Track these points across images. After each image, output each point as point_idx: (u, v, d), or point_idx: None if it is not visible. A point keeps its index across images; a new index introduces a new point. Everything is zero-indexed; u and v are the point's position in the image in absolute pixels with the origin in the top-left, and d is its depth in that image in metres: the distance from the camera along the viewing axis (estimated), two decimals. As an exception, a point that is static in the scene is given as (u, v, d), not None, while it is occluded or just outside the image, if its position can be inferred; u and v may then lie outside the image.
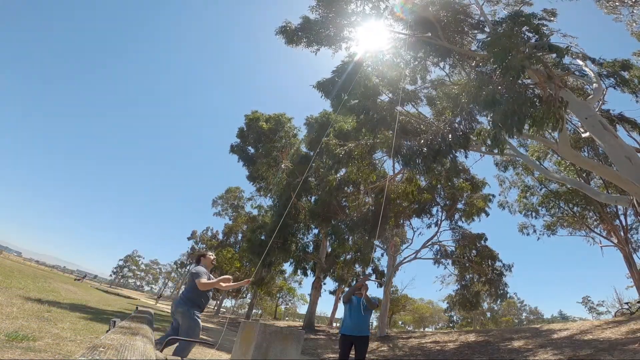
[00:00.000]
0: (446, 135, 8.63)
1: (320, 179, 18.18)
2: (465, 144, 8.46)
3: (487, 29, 9.71)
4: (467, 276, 17.00)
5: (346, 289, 5.42)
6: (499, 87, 7.26)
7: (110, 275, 75.89)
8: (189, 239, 48.14)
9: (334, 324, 30.12)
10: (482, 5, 10.72)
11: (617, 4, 12.77)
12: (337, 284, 25.70)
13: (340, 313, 36.06)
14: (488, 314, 44.89)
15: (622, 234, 16.66)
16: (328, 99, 11.19)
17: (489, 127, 7.97)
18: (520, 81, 7.25)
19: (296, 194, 18.76)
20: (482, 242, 16.85)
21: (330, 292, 29.37)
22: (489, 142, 7.91)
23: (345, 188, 17.01)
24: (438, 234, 17.79)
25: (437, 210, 17.75)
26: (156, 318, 8.92)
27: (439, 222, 17.70)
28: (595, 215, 17.92)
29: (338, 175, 17.48)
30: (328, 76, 11.22)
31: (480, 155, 13.02)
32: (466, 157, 9.93)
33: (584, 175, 16.71)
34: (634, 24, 12.63)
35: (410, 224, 18.67)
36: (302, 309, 47.40)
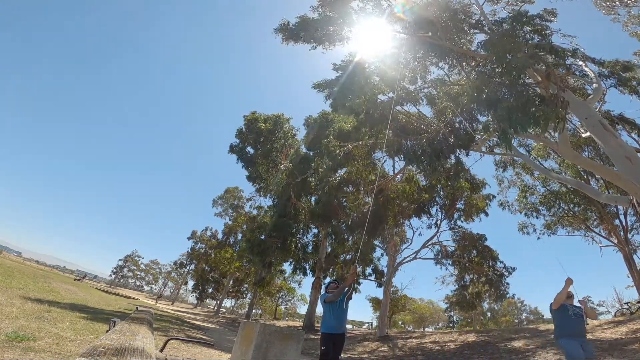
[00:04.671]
0: (448, 135, 8.63)
1: (320, 179, 18.17)
2: (468, 144, 8.46)
3: (487, 29, 9.71)
4: (467, 276, 17.00)
5: (323, 289, 5.38)
6: (501, 87, 7.25)
7: (110, 275, 75.82)
8: (188, 238, 48.05)
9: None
10: (482, 5, 10.72)
11: (616, 4, 12.76)
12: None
13: (340, 313, 35.89)
14: (488, 314, 44.88)
15: (622, 234, 16.65)
16: (329, 100, 11.16)
17: (493, 124, 7.92)
18: (521, 80, 7.24)
19: (296, 194, 18.76)
20: (482, 242, 16.86)
21: (330, 292, 29.31)
22: (495, 138, 7.90)
23: (345, 188, 17.00)
24: (438, 234, 17.80)
25: (436, 210, 17.75)
26: (156, 318, 8.93)
27: (438, 222, 17.70)
28: (596, 215, 17.92)
29: (338, 175, 17.47)
30: (328, 77, 11.20)
31: (480, 155, 13.01)
32: (467, 155, 9.92)
33: (584, 175, 16.70)
34: (630, 24, 12.62)
35: (410, 224, 18.66)
36: (302, 309, 47.30)
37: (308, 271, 22.51)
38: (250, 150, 23.77)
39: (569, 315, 4.59)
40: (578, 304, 4.85)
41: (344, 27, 10.16)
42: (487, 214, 17.15)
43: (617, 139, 7.09)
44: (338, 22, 10.00)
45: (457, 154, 8.64)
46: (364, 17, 10.14)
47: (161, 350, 2.91)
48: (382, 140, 11.29)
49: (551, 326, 12.70)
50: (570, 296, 4.81)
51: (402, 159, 9.54)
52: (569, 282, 4.74)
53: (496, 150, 12.86)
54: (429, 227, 17.72)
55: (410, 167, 12.06)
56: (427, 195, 16.47)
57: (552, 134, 9.80)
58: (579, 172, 16.50)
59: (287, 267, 24.83)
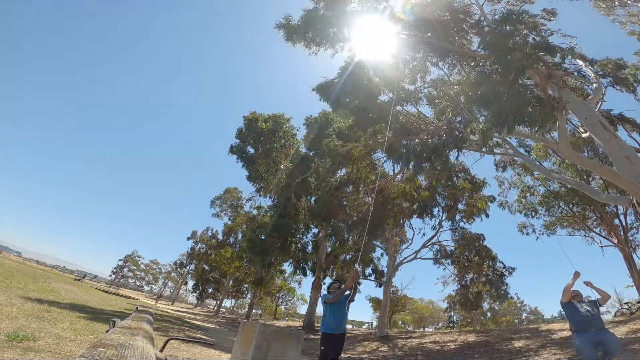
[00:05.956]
0: (442, 134, 8.65)
1: (320, 179, 18.17)
2: (460, 144, 8.46)
3: (487, 29, 9.70)
4: (467, 276, 17.01)
5: (324, 289, 5.37)
6: (499, 87, 7.25)
7: (110, 275, 75.78)
8: (188, 239, 48.06)
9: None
10: (482, 5, 10.71)
11: (615, 3, 12.76)
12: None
13: (340, 313, 35.94)
14: (488, 314, 44.88)
15: (622, 234, 16.65)
16: (327, 102, 11.17)
17: (482, 125, 7.96)
18: (521, 81, 7.24)
19: (296, 194, 18.76)
20: (481, 242, 16.86)
21: (330, 292, 29.33)
22: (476, 137, 7.89)
23: (345, 188, 17.00)
24: (438, 234, 17.81)
25: (438, 211, 17.76)
26: (156, 318, 8.92)
27: (440, 223, 17.71)
28: (595, 215, 17.92)
29: (338, 175, 17.48)
30: (329, 78, 11.22)
31: (480, 155, 13.00)
32: (459, 153, 9.88)
33: (584, 175, 16.70)
34: (629, 23, 12.64)
35: (410, 223, 18.68)
36: (302, 309, 47.34)
37: (308, 271, 22.52)
38: (250, 150, 23.78)
39: (577, 309, 4.62)
40: (588, 300, 4.84)
41: (343, 28, 10.16)
42: (487, 215, 17.16)
43: (617, 138, 7.08)
44: (337, 23, 9.99)
45: (447, 155, 8.67)
46: (363, 18, 10.14)
47: (161, 350, 2.91)
48: (381, 140, 11.30)
49: (552, 326, 12.72)
50: (576, 295, 4.82)
51: (397, 163, 9.55)
52: (576, 275, 4.81)
53: (496, 150, 12.86)
54: (433, 228, 17.75)
55: (408, 168, 12.10)
56: (428, 195, 16.47)
57: (552, 134, 9.81)
58: (578, 172, 16.51)
59: (287, 267, 24.83)
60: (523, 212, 19.29)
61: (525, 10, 9.64)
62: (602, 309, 4.73)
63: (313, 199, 20.94)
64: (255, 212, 31.42)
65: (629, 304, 14.56)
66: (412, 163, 8.76)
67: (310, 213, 18.43)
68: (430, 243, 17.79)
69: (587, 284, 4.89)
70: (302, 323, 22.50)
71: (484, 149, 11.31)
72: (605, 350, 4.25)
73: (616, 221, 17.18)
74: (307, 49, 10.30)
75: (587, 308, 4.59)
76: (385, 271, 19.34)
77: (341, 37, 10.39)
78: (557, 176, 13.15)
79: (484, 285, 16.17)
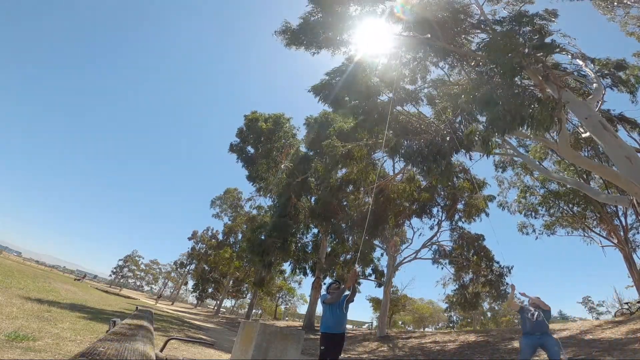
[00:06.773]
0: (445, 136, 8.65)
1: (320, 179, 18.17)
2: (468, 145, 8.45)
3: (487, 29, 9.70)
4: (466, 277, 16.99)
5: (324, 289, 5.40)
6: (498, 88, 7.25)
7: (110, 275, 75.82)
8: (189, 239, 48.09)
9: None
10: (482, 5, 10.71)
11: (615, 4, 12.76)
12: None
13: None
14: (488, 314, 44.86)
15: (622, 234, 16.65)
16: (326, 102, 11.16)
17: (481, 128, 7.95)
18: (519, 82, 7.23)
19: (296, 194, 18.76)
20: (480, 242, 16.83)
21: (330, 292, 29.30)
22: (475, 140, 7.86)
23: (345, 188, 17.00)
24: (438, 234, 17.81)
25: (437, 211, 17.75)
26: (156, 318, 8.93)
27: (439, 223, 17.70)
28: (595, 215, 17.92)
29: (338, 175, 17.48)
30: (328, 78, 11.21)
31: (480, 155, 13.01)
32: (471, 158, 9.94)
33: (584, 175, 16.70)
34: (629, 24, 12.65)
35: (410, 223, 18.67)
36: (302, 309, 47.30)
37: (308, 271, 22.49)
38: (250, 149, 23.78)
39: (527, 316, 5.36)
40: (534, 308, 5.53)
41: (343, 30, 10.17)
42: (487, 215, 17.14)
43: (617, 138, 7.08)
44: (337, 25, 10.00)
45: (450, 157, 8.70)
46: (361, 20, 10.14)
47: (161, 350, 2.91)
48: (382, 140, 11.30)
49: (551, 326, 12.70)
50: (533, 303, 5.55)
51: (400, 159, 9.55)
52: (513, 287, 5.99)
53: (496, 151, 12.87)
54: (432, 227, 17.74)
55: (409, 167, 12.14)
56: (428, 195, 16.46)
57: (551, 134, 9.80)
58: (578, 172, 16.51)
59: (287, 267, 24.81)
60: (523, 212, 19.31)
61: (525, 10, 9.62)
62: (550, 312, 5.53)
63: (313, 199, 20.93)
64: (255, 212, 31.41)
65: (629, 304, 14.55)
66: (419, 163, 8.78)
67: (310, 213, 18.42)
68: (429, 243, 17.80)
69: (522, 294, 5.80)
70: (302, 323, 22.50)
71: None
72: (549, 352, 4.92)
73: (616, 221, 17.18)
74: (307, 50, 10.31)
75: (535, 314, 5.32)
76: (385, 271, 19.32)
77: (341, 39, 10.40)
78: (556, 176, 13.16)
79: (484, 285, 16.14)
